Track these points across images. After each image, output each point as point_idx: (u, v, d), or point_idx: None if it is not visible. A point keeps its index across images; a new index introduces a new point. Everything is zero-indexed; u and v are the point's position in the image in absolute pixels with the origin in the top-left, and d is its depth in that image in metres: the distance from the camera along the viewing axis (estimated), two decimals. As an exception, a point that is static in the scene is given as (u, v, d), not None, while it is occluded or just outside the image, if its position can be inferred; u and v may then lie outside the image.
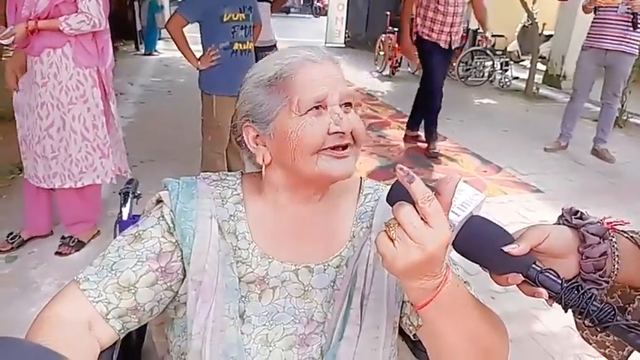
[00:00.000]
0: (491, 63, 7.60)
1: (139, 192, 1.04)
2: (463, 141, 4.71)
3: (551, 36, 8.03)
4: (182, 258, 0.74)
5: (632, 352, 0.64)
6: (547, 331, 2.12)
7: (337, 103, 0.73)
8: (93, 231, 2.56)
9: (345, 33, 11.30)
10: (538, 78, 7.43)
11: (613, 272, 0.59)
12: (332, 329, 0.73)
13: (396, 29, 7.94)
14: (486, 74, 7.64)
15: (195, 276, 0.72)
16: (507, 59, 7.84)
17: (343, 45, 11.16)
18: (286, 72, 0.73)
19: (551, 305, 0.59)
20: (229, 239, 0.76)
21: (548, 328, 2.13)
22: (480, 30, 7.93)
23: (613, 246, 0.59)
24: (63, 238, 2.50)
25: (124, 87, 6.11)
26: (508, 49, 9.25)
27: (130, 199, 1.00)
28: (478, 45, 7.63)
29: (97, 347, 0.66)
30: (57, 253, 2.43)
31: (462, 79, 7.56)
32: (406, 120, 4.78)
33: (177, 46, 2.69)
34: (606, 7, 3.96)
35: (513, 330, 2.07)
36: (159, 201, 0.79)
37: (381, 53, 8.30)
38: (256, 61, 0.85)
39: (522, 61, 9.53)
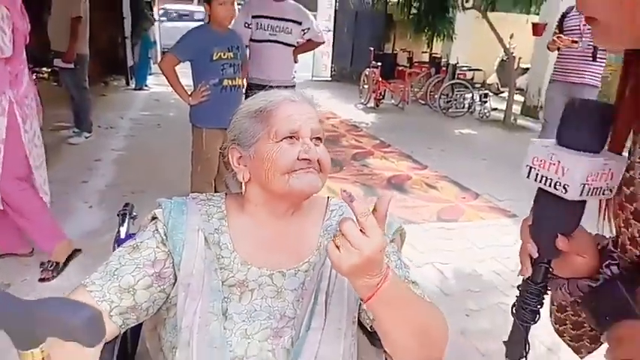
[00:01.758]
0: (470, 95, 7.92)
1: (135, 214, 1.17)
2: (443, 169, 4.90)
3: (528, 69, 8.41)
4: (173, 265, 0.87)
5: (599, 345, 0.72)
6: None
7: (309, 136, 0.89)
8: (65, 249, 2.63)
9: (331, 67, 11.65)
10: (516, 109, 7.75)
11: None
12: (300, 323, 0.86)
13: (379, 63, 8.28)
14: (466, 106, 7.94)
15: (184, 279, 0.85)
16: (486, 91, 8.17)
17: (330, 78, 11.49)
18: (269, 107, 0.90)
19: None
20: (214, 249, 0.89)
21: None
22: (460, 64, 8.32)
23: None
24: (42, 264, 2.58)
25: (115, 121, 6.25)
26: (488, 82, 9.63)
27: (127, 220, 1.13)
28: (457, 78, 7.97)
29: None
30: (40, 279, 2.51)
31: (444, 111, 7.84)
32: (389, 149, 4.92)
33: (169, 83, 2.86)
34: (566, 48, 4.26)
35: (487, 345, 2.20)
36: (154, 217, 0.92)
37: (366, 86, 8.58)
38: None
39: (502, 93, 9.89)
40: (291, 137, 0.88)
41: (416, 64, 9.23)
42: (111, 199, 3.60)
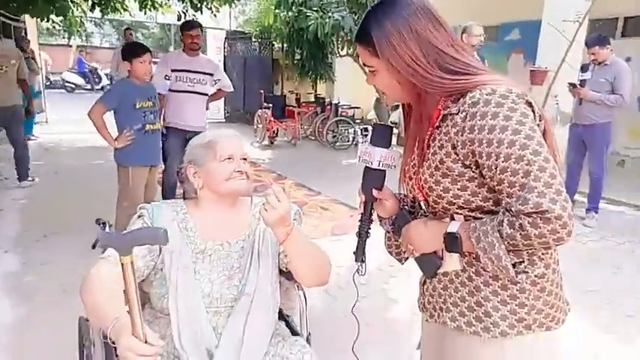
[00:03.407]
0: (353, 130, 8.96)
1: (110, 222, 1.61)
2: (335, 194, 5.65)
3: (398, 105, 9.73)
4: (159, 242, 1.36)
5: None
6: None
7: (240, 157, 1.46)
8: None
9: (225, 109, 12.21)
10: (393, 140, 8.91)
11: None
12: (244, 269, 1.40)
13: (270, 105, 9.04)
14: (350, 139, 8.95)
15: (168, 249, 1.35)
16: (366, 126, 9.27)
17: (224, 120, 12.02)
18: (214, 140, 1.46)
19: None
20: (183, 231, 1.41)
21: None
22: (341, 103, 9.38)
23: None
24: None
25: (7, 172, 6.12)
26: (368, 117, 10.86)
27: (107, 226, 1.57)
28: (340, 116, 8.99)
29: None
30: None
31: (331, 145, 8.78)
32: (285, 181, 5.53)
33: (97, 129, 3.23)
34: None
35: (372, 318, 2.80)
36: (140, 215, 1.41)
37: (260, 126, 9.26)
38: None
39: (380, 126, 11.18)
40: (229, 158, 1.44)
41: (303, 104, 10.15)
42: (25, 243, 3.73)
